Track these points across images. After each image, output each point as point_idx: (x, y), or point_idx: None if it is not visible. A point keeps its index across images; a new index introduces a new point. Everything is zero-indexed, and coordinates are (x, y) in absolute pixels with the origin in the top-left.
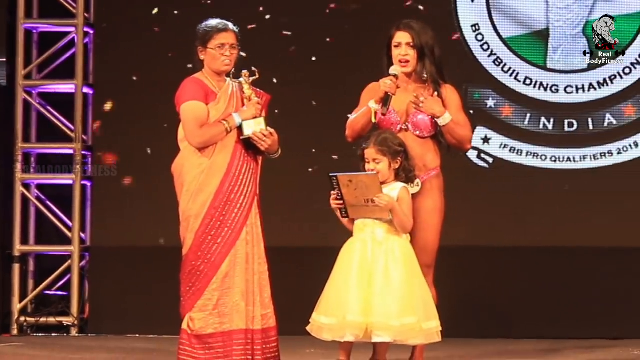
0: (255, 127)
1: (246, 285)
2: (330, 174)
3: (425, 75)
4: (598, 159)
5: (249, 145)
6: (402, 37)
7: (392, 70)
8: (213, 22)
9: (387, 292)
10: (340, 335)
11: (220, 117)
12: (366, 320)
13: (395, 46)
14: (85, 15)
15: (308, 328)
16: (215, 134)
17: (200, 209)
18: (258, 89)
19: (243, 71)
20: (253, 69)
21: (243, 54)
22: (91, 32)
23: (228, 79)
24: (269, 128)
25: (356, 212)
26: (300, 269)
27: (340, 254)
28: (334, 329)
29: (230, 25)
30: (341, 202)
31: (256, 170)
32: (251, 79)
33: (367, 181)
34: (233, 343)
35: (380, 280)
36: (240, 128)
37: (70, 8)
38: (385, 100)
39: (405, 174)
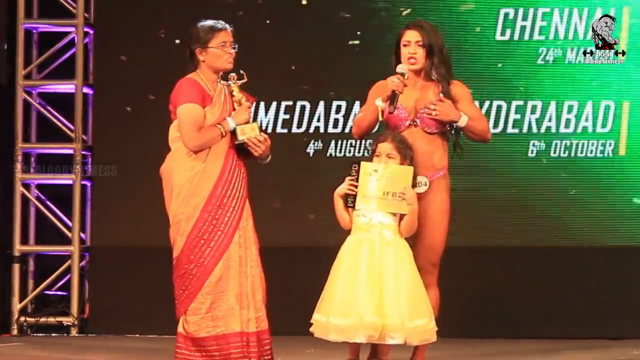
0: (250, 133)
1: (240, 288)
2: (354, 162)
3: (435, 74)
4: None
5: (240, 149)
6: (411, 36)
7: (399, 68)
8: (209, 22)
9: (399, 294)
10: (352, 336)
11: (215, 121)
12: (382, 322)
13: (405, 45)
14: (85, 15)
15: (312, 329)
16: (211, 137)
17: (192, 212)
18: (244, 92)
19: (230, 74)
20: (241, 72)
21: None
22: (91, 32)
23: (220, 82)
24: (262, 134)
25: (367, 204)
26: (299, 268)
27: (342, 253)
28: (347, 330)
29: (227, 25)
30: (355, 190)
31: (246, 174)
32: (239, 82)
33: (400, 173)
34: (230, 346)
35: (392, 282)
36: (233, 132)
37: (70, 8)
38: (393, 98)
39: None
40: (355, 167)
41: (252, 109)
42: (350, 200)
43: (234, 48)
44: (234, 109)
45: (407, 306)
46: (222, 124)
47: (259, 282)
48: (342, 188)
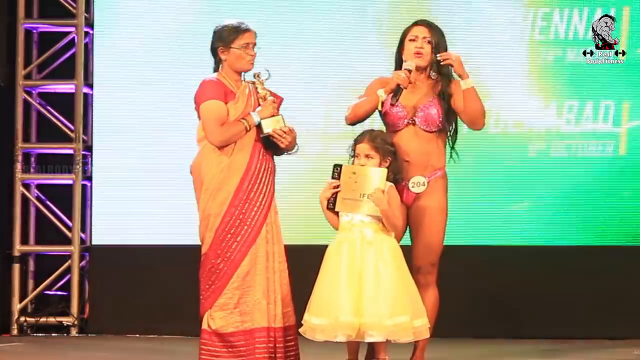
0: (274, 125)
1: (267, 283)
2: (336, 164)
3: (434, 74)
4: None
5: (267, 143)
6: (419, 32)
7: (407, 64)
8: (234, 22)
9: (379, 292)
10: (333, 335)
11: (239, 116)
12: (359, 321)
13: (411, 40)
14: (85, 15)
15: (301, 330)
16: (236, 132)
17: (220, 207)
18: (272, 91)
19: (254, 72)
20: (266, 69)
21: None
22: (91, 32)
23: (244, 80)
24: (287, 125)
25: (345, 206)
26: (301, 268)
27: (327, 254)
28: (326, 330)
29: (251, 26)
30: (335, 192)
31: (273, 169)
32: (264, 79)
33: (375, 175)
34: (255, 341)
35: (371, 280)
36: (259, 126)
37: (70, 8)
38: (396, 92)
39: (393, 174)
40: (337, 169)
41: (281, 109)
42: (330, 202)
43: (254, 49)
44: (259, 105)
45: (387, 304)
46: (247, 118)
47: (287, 277)
48: (324, 191)
